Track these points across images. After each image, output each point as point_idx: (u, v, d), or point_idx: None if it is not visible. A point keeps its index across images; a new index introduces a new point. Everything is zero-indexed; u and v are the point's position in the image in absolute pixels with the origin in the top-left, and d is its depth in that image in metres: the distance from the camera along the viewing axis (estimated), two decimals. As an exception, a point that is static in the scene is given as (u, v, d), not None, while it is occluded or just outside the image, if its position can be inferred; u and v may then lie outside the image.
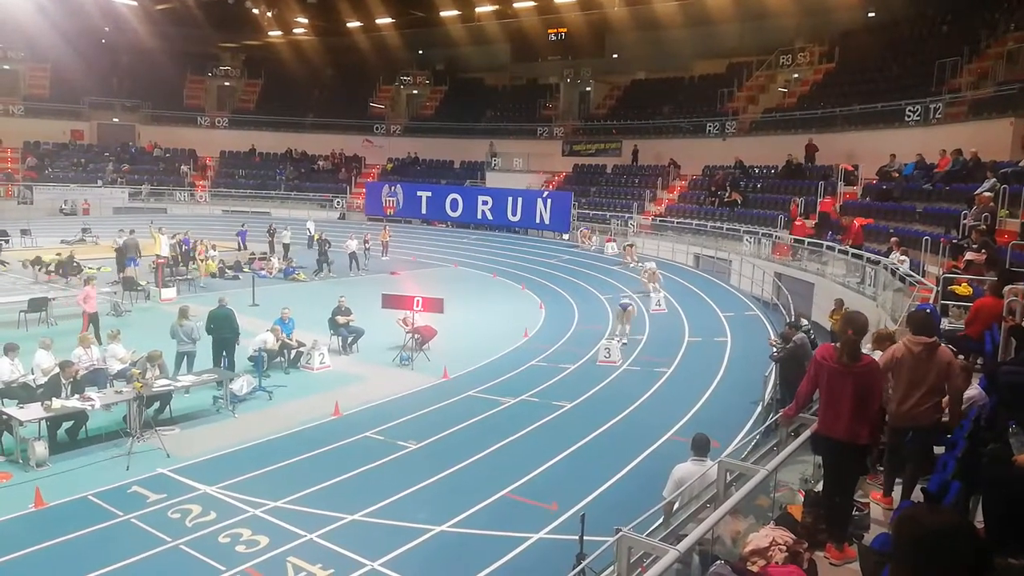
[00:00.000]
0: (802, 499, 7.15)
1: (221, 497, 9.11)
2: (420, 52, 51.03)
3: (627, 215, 34.07)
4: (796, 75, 35.76)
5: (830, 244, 21.47)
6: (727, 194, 30.97)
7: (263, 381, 13.37)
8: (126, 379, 11.69)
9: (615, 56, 43.46)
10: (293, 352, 14.93)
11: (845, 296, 17.01)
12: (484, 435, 11.55)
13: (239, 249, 29.60)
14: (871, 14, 34.17)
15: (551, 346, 17.38)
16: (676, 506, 6.70)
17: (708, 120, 35.86)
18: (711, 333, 18.45)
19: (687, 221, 31.42)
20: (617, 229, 33.29)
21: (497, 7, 42.62)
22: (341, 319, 16.40)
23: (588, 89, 44.96)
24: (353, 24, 46.61)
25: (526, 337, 18.17)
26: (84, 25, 42.75)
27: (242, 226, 32.22)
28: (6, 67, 45.52)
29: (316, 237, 28.77)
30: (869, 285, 17.62)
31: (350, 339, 16.39)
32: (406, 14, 44.57)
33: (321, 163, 47.15)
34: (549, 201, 36.43)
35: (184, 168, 46.20)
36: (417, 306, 16.11)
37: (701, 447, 7.26)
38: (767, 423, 10.58)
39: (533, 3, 41.31)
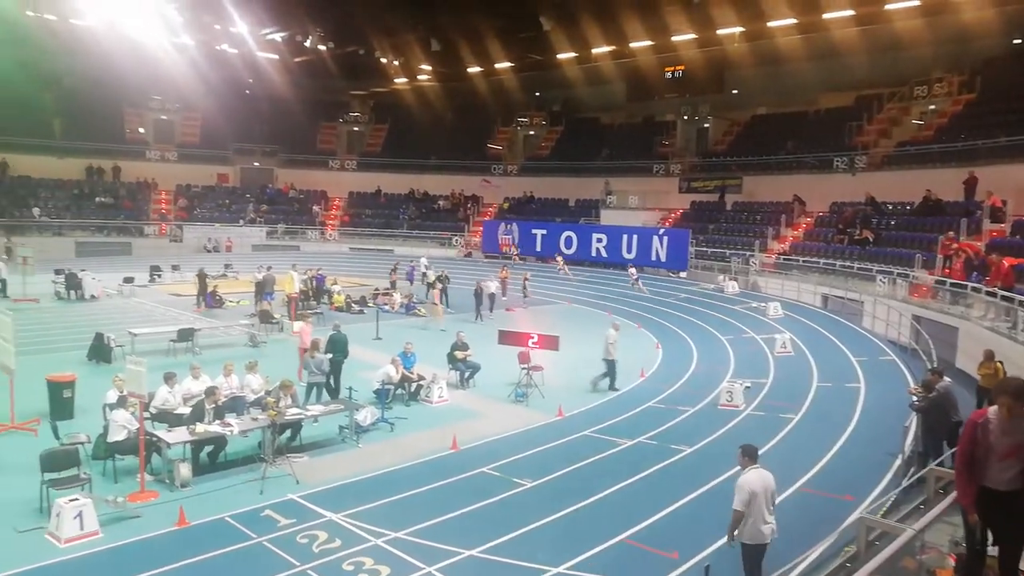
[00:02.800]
0: (952, 564, 6.57)
1: (346, 525, 9.41)
2: (537, 94, 52.20)
3: (748, 252, 33.03)
4: (933, 106, 33.75)
5: (975, 286, 19.89)
6: (857, 231, 29.42)
7: (385, 413, 13.80)
8: (261, 407, 12.41)
9: (735, 91, 42.69)
10: (414, 385, 15.36)
11: (995, 343, 15.63)
12: (600, 476, 11.37)
13: (410, 283, 30.90)
14: (1016, 41, 31.90)
15: (669, 387, 16.97)
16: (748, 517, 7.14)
17: (835, 155, 34.38)
18: (842, 378, 17.44)
19: (814, 260, 30.05)
20: (738, 268, 32.33)
21: (613, 48, 43.02)
22: (460, 354, 16.74)
23: (706, 125, 44.36)
24: (473, 70, 48.36)
25: (642, 377, 17.85)
26: (230, 78, 46.82)
27: (410, 263, 33.37)
28: (164, 117, 50.29)
29: (440, 275, 29.13)
30: (1022, 330, 16.15)
31: (468, 374, 16.68)
32: (524, 59, 45.79)
33: (441, 202, 48.85)
34: (665, 238, 35.95)
35: (316, 208, 49.17)
36: (533, 343, 16.21)
37: (754, 455, 7.58)
38: (908, 478, 9.83)
39: (649, 43, 41.39)
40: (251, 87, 50.45)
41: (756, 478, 7.30)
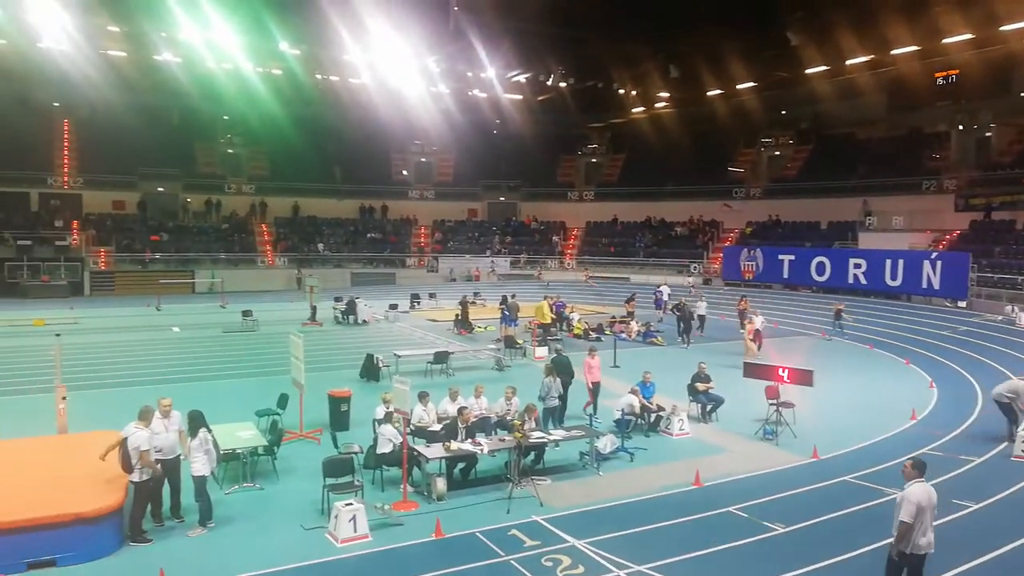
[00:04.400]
0: None
1: (588, 552, 9.43)
2: (783, 112, 49.53)
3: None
4: None
5: None
6: None
7: (625, 442, 13.71)
8: (507, 429, 12.97)
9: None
10: (653, 416, 15.10)
11: None
12: (863, 528, 10.23)
13: (660, 310, 31.10)
14: None
15: (947, 433, 14.90)
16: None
17: None
18: None
19: None
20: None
21: (871, 57, 39.46)
22: (701, 386, 16.18)
23: (988, 134, 38.94)
24: (713, 92, 47.20)
25: (913, 420, 15.88)
26: (479, 120, 50.56)
27: (658, 287, 33.69)
28: (423, 160, 55.61)
29: (677, 303, 28.69)
30: None
31: (710, 407, 16.05)
32: (768, 76, 43.77)
33: (679, 229, 48.02)
34: (939, 263, 31.89)
35: (555, 239, 50.92)
36: (783, 376, 15.18)
37: (923, 469, 7.65)
38: None
39: (915, 48, 37.37)
40: (497, 127, 53.92)
41: (922, 491, 7.44)
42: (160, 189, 47.40)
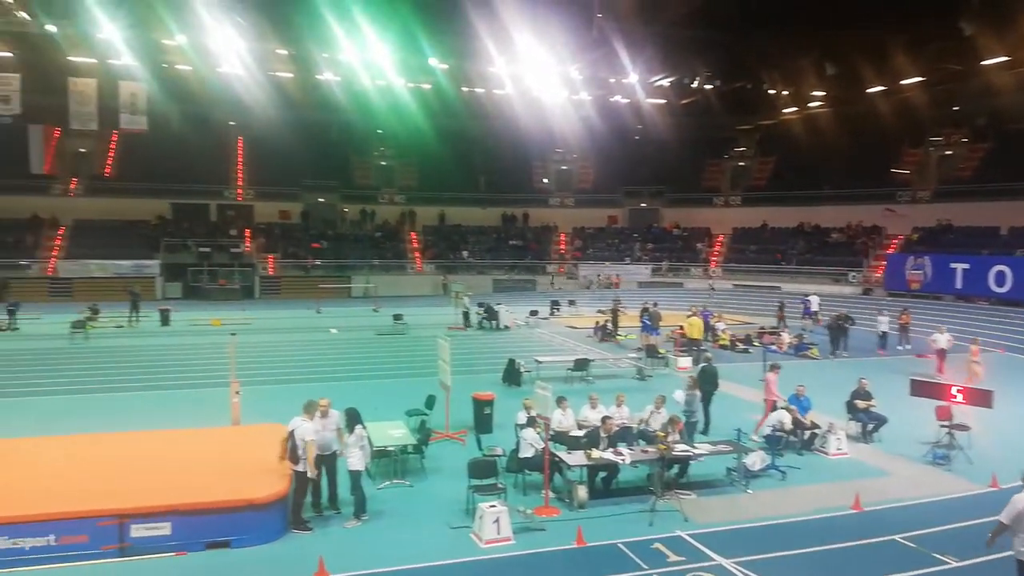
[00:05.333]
0: None
1: (736, 572, 9.07)
2: (955, 108, 45.34)
3: None
4: None
5: None
6: None
7: (776, 460, 13.06)
8: (648, 439, 12.74)
9: None
10: (807, 433, 14.28)
11: None
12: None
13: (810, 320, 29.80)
14: None
15: None
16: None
17: None
18: None
19: None
20: None
21: (1066, 41, 35.39)
22: (861, 403, 15.12)
23: None
24: (874, 90, 44.09)
25: (1116, 450, 14.01)
26: (620, 126, 50.22)
27: (806, 296, 32.34)
28: (563, 167, 56.04)
29: (839, 315, 26.73)
30: None
31: (871, 426, 14.96)
32: (938, 70, 40.30)
33: (835, 235, 45.23)
34: None
35: (699, 245, 49.50)
36: (955, 396, 13.88)
37: None
38: None
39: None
40: (639, 132, 53.25)
41: None
42: (321, 200, 50.93)
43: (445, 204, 52.08)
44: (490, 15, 33.42)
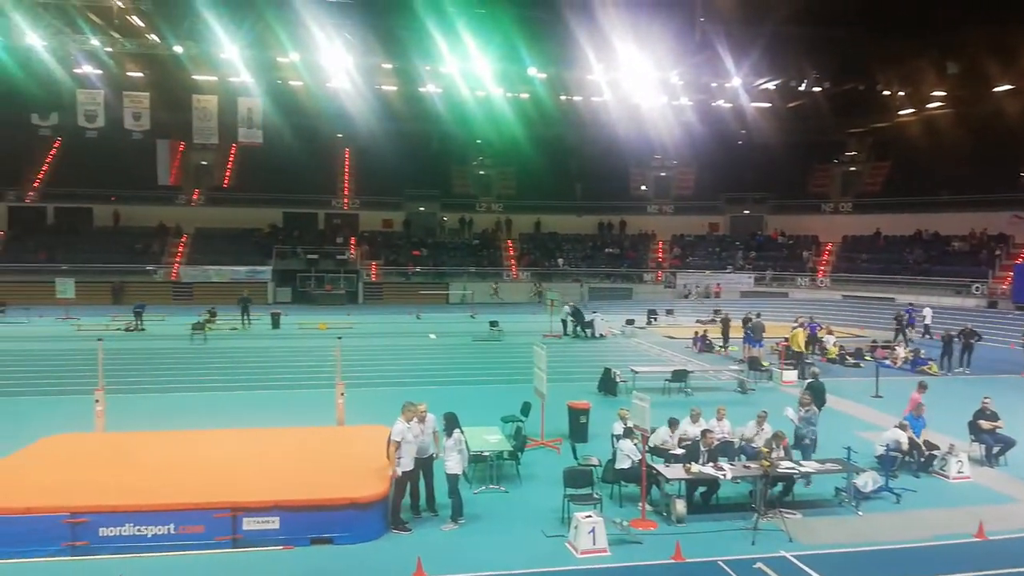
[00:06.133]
0: None
1: (845, 599, 8.62)
2: (1095, 106, 41.59)
3: None
4: None
5: None
6: None
7: (890, 481, 12.32)
8: (750, 456, 12.28)
9: None
10: (925, 454, 13.39)
11: None
12: None
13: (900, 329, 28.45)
14: None
15: None
16: None
17: None
18: None
19: None
20: None
21: None
22: (986, 424, 14.05)
23: None
24: (1001, 88, 41.06)
25: None
26: (722, 131, 48.97)
27: (920, 308, 31.18)
28: (662, 174, 55.14)
29: (963, 329, 24.86)
30: None
31: (996, 449, 13.88)
32: (1078, 64, 37.16)
33: (956, 244, 42.36)
34: None
35: (806, 254, 47.49)
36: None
37: None
38: None
39: None
40: (742, 137, 51.72)
41: None
42: (421, 208, 52.28)
43: (541, 212, 52.30)
44: (590, 23, 33.42)
